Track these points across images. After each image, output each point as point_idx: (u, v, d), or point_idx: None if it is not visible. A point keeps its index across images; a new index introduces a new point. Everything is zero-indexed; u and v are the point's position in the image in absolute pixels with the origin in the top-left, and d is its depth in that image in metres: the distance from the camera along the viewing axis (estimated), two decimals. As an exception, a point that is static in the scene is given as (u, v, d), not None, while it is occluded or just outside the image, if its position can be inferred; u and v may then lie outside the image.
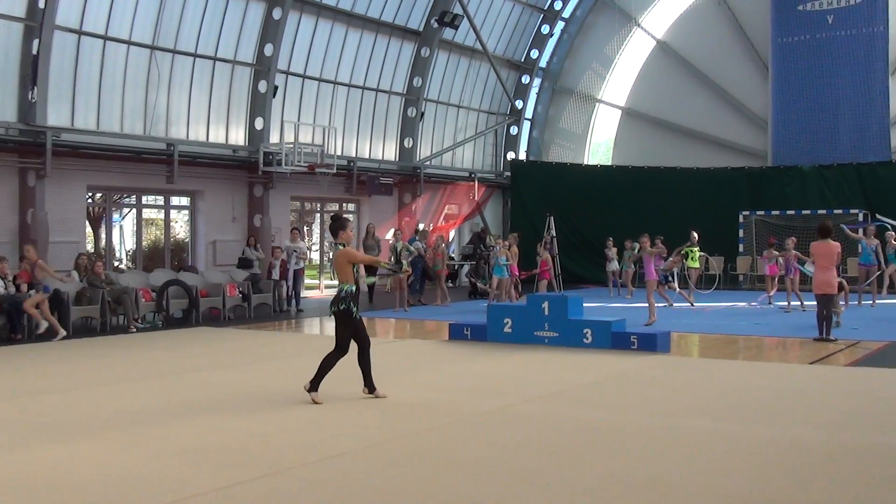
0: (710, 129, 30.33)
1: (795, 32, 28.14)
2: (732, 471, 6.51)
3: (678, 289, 21.00)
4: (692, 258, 21.43)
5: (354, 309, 9.28)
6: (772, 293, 20.50)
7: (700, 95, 30.51)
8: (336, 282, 10.66)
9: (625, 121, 32.29)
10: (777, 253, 19.97)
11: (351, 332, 9.32)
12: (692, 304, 20.11)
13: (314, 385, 9.21)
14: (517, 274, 20.73)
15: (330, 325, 18.27)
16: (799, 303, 18.90)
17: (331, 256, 9.66)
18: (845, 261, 21.57)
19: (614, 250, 23.54)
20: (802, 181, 26.91)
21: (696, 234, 21.42)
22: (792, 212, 26.07)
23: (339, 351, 9.30)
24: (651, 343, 12.94)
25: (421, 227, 27.27)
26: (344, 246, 9.45)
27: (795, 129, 28.21)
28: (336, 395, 9.63)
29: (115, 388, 10.31)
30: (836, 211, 25.24)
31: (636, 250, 23.17)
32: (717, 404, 9.12)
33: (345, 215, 9.82)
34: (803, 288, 18.93)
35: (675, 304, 20.23)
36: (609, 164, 31.68)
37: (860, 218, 24.79)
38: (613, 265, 23.60)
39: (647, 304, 16.40)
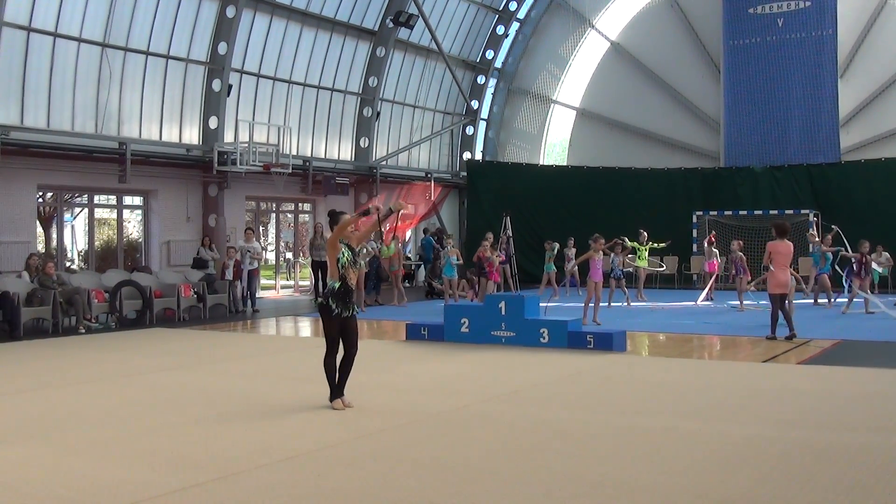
0: (663, 130, 30.63)
1: (746, 35, 28.50)
2: (688, 468, 6.57)
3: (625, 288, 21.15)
4: (640, 257, 21.63)
5: (334, 305, 8.78)
6: (709, 290, 20.86)
7: (654, 96, 30.80)
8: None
9: (579, 121, 32.48)
10: (716, 250, 20.55)
11: (335, 330, 8.86)
12: (628, 304, 20.55)
13: (333, 393, 8.85)
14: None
15: (286, 326, 18.23)
16: (739, 303, 19.27)
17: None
18: (797, 260, 21.93)
19: (574, 251, 23.65)
20: (754, 182, 27.28)
21: (644, 233, 21.67)
22: (744, 212, 26.41)
23: (328, 350, 8.91)
24: (607, 342, 13.03)
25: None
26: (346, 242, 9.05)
27: (747, 130, 28.57)
28: (295, 395, 9.58)
29: (67, 391, 10.17)
30: (787, 211, 25.62)
31: (555, 251, 23.50)
32: (672, 402, 9.21)
33: (339, 210, 9.39)
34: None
35: (632, 304, 20.47)
36: (564, 164, 31.85)
37: (811, 218, 25.19)
38: (573, 265, 23.73)
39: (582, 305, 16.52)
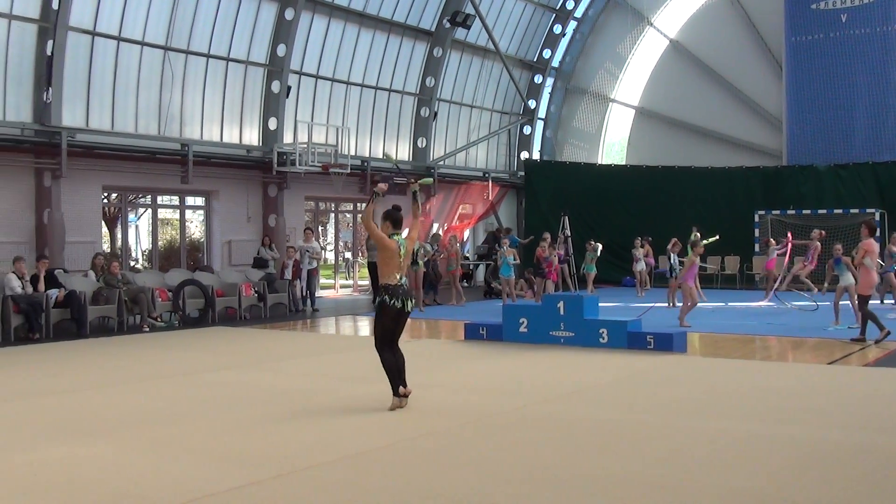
0: (724, 129, 30.22)
1: (809, 31, 28.01)
2: (750, 471, 6.47)
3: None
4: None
5: (391, 301, 8.70)
6: (771, 291, 20.56)
7: (714, 94, 30.40)
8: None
9: (638, 120, 32.20)
10: (776, 247, 20.39)
11: (380, 323, 8.85)
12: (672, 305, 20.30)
13: (395, 389, 8.81)
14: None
15: (346, 326, 18.35)
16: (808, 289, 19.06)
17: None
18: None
19: (642, 250, 23.36)
20: (818, 180, 26.79)
21: (698, 234, 21.39)
22: (808, 211, 25.95)
23: (378, 344, 8.88)
24: (667, 343, 12.89)
25: (435, 227, 27.24)
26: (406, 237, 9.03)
27: (810, 128, 28.08)
28: (354, 394, 9.64)
29: (131, 388, 10.34)
30: (852, 210, 25.14)
31: (598, 252, 23.28)
32: (733, 404, 9.07)
33: (395, 208, 9.32)
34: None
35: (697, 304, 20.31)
36: (623, 163, 31.60)
37: (877, 217, 24.66)
38: (640, 265, 23.40)
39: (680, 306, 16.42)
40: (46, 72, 18.23)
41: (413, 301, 9.01)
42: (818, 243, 19.44)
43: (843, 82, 27.45)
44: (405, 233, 9.24)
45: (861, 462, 6.69)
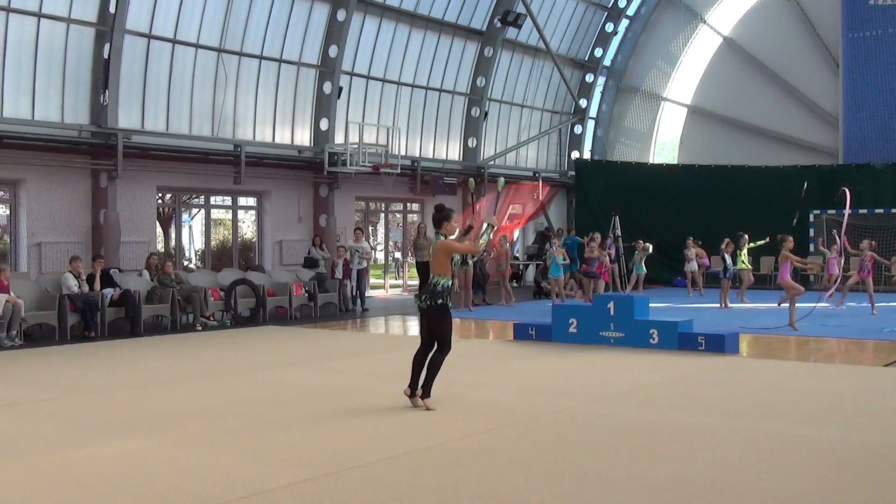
0: (778, 127, 29.80)
1: (866, 27, 27.50)
2: (801, 474, 6.37)
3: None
4: (742, 259, 21.01)
5: (451, 305, 8.89)
6: (830, 293, 20.18)
7: (768, 92, 29.98)
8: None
9: (690, 119, 31.88)
10: (825, 250, 20.06)
11: (450, 327, 8.92)
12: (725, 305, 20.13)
13: (427, 391, 8.84)
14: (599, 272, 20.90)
15: (395, 325, 18.41)
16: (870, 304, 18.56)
17: (430, 248, 9.12)
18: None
19: (693, 251, 23.10)
20: (875, 179, 26.27)
21: (745, 236, 21.14)
22: (864, 211, 25.46)
23: (446, 349, 8.91)
24: (719, 344, 12.74)
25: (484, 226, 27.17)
26: (445, 237, 9.00)
27: (867, 125, 27.57)
28: (402, 394, 9.67)
29: (183, 386, 10.49)
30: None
31: (648, 251, 23.05)
32: (785, 406, 8.94)
33: (448, 207, 9.40)
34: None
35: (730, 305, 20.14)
36: (675, 162, 31.31)
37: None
38: (692, 265, 23.15)
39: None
40: (103, 74, 18.55)
41: (426, 298, 8.88)
42: (870, 253, 19.03)
43: (902, 79, 26.92)
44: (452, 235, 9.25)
45: (917, 466, 6.57)
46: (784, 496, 5.86)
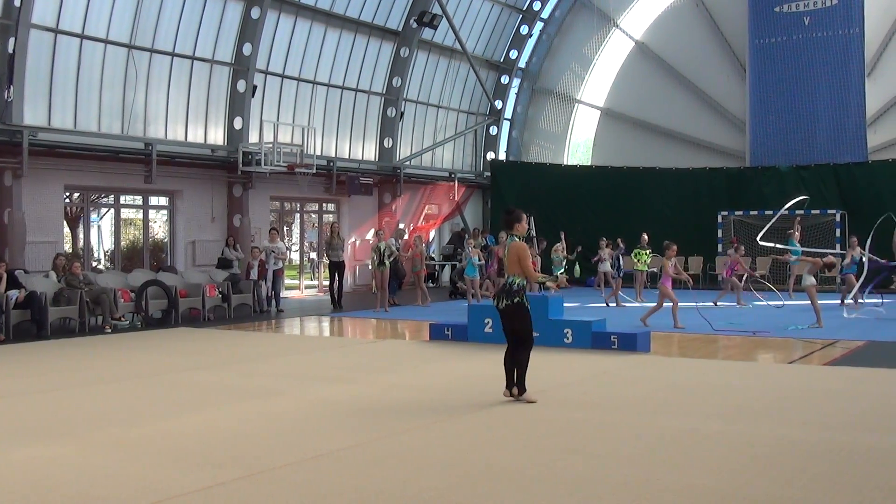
0: (688, 130, 30.48)
1: (772, 34, 28.30)
2: (713, 469, 6.52)
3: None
4: (640, 260, 21.51)
5: (527, 302, 9.20)
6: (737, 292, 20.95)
7: (678, 96, 30.64)
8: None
9: (604, 121, 32.39)
10: (737, 253, 20.81)
11: (529, 324, 9.22)
12: (617, 304, 20.64)
13: (521, 387, 9.13)
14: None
15: (310, 326, 18.29)
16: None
17: (506, 249, 9.33)
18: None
19: (607, 251, 23.36)
20: (780, 181, 27.05)
21: (646, 237, 21.63)
22: (770, 212, 26.15)
23: (528, 344, 9.22)
24: (631, 343, 12.98)
25: (401, 226, 27.22)
26: (518, 238, 9.28)
27: (773, 129, 28.37)
28: (320, 395, 9.61)
29: (93, 389, 10.25)
30: (813, 211, 25.42)
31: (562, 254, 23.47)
32: (695, 403, 9.16)
33: (516, 209, 9.55)
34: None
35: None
36: (588, 164, 31.76)
37: (837, 219, 24.97)
38: (605, 266, 23.41)
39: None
40: (7, 70, 18.00)
41: (503, 298, 9.19)
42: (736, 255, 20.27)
43: (806, 85, 27.77)
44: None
45: (821, 459, 6.77)
46: (696, 490, 5.99)
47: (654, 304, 16.57)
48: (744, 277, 21.64)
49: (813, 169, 26.90)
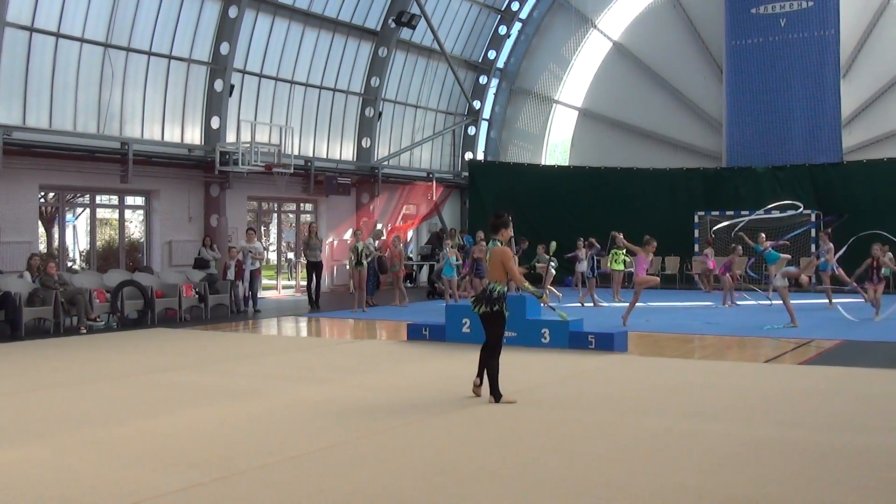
0: (665, 130, 30.62)
1: (749, 35, 28.47)
2: (689, 468, 6.56)
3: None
4: (615, 260, 21.64)
5: (507, 311, 9.26)
6: (709, 290, 21.18)
7: (656, 97, 30.78)
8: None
9: (581, 121, 32.48)
10: (713, 251, 20.99)
11: (501, 330, 9.23)
12: (594, 304, 20.76)
13: (496, 395, 9.09)
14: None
15: (288, 326, 18.24)
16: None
17: (488, 254, 9.40)
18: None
19: (584, 251, 23.39)
20: (756, 182, 27.23)
21: (620, 236, 21.72)
22: (746, 212, 26.33)
23: (496, 350, 9.21)
24: (608, 342, 13.03)
25: (378, 226, 27.20)
26: (501, 243, 9.32)
27: (749, 130, 28.54)
28: (296, 395, 9.59)
29: (68, 390, 10.17)
30: (789, 212, 25.58)
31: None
32: (672, 402, 9.20)
33: (505, 214, 9.55)
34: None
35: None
36: (566, 164, 31.84)
37: (812, 218, 25.16)
38: (582, 266, 23.44)
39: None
40: (-19, 68, 17.85)
41: (484, 305, 9.20)
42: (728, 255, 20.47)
43: (782, 86, 27.95)
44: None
45: (795, 458, 6.82)
46: (673, 489, 6.02)
47: (632, 300, 16.59)
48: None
49: (789, 169, 27.08)
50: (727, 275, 20.78)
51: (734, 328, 16.11)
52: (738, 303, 20.80)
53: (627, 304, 17.02)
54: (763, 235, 20.87)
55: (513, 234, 9.78)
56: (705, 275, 23.70)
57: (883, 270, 17.79)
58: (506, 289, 9.24)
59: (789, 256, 16.45)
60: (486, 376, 9.25)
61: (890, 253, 20.27)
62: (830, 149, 27.33)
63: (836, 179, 26.33)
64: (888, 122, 27.66)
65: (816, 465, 6.65)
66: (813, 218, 25.16)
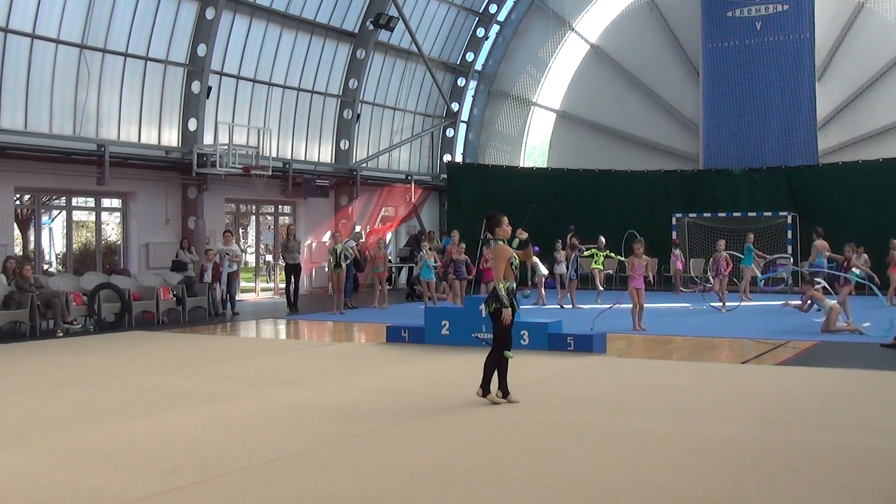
0: (643, 133, 30.76)
1: (725, 38, 28.67)
2: (668, 469, 6.58)
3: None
4: (596, 261, 21.72)
5: (517, 308, 9.22)
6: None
7: (633, 99, 30.92)
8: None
9: (560, 124, 32.57)
10: (679, 252, 21.22)
11: (508, 328, 9.18)
12: (573, 305, 20.78)
13: (486, 388, 9.12)
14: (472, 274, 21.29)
15: (266, 329, 18.17)
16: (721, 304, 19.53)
17: (489, 252, 9.44)
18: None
19: (563, 253, 23.37)
20: (733, 184, 27.41)
21: (602, 238, 21.83)
22: (723, 214, 26.53)
23: (498, 349, 9.20)
24: (587, 344, 13.06)
25: (357, 228, 27.14)
26: (502, 241, 9.34)
27: (725, 132, 28.75)
28: (275, 398, 9.56)
29: (44, 394, 10.08)
30: (765, 213, 25.81)
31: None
32: (650, 404, 9.23)
33: (496, 213, 9.53)
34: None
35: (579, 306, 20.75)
36: (545, 166, 31.91)
37: (788, 221, 25.34)
38: (561, 268, 23.44)
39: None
40: (-45, 69, 17.70)
41: (492, 303, 9.18)
42: (724, 254, 20.41)
43: (758, 88, 28.17)
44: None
45: (773, 458, 6.86)
46: (651, 490, 6.04)
47: (638, 306, 16.45)
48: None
49: (765, 171, 27.28)
50: (717, 277, 20.74)
51: (712, 329, 16.17)
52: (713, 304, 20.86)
53: (605, 307, 17.11)
54: (752, 235, 21.07)
55: (518, 232, 9.71)
56: (676, 275, 24.01)
57: (853, 271, 17.66)
58: (514, 286, 9.22)
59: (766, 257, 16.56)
60: (496, 375, 9.22)
61: (865, 255, 20.43)
62: (806, 151, 27.56)
63: (812, 181, 26.55)
64: (863, 124, 27.93)
65: (794, 465, 6.69)
66: (789, 220, 25.33)
